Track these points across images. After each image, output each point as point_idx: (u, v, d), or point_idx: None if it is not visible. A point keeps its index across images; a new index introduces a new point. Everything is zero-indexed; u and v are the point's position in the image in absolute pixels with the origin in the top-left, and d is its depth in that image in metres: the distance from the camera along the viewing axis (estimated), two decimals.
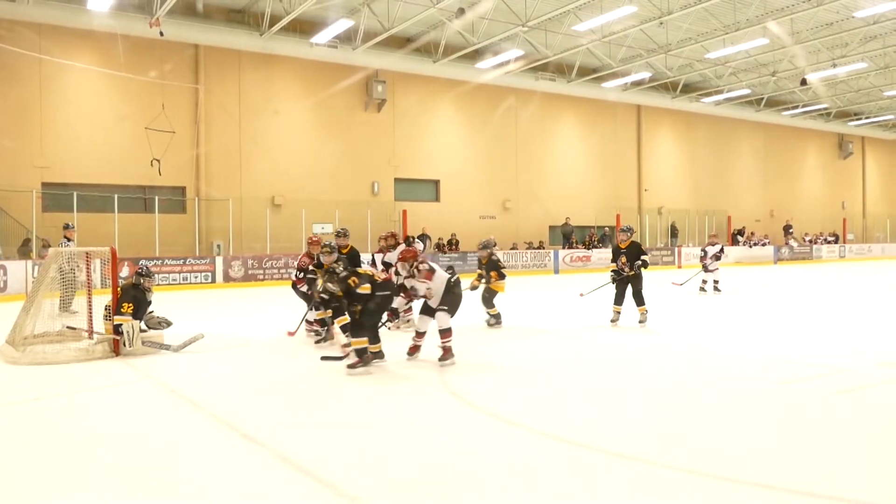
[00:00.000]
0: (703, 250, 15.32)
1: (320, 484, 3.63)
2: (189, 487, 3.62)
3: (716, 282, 15.03)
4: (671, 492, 3.50)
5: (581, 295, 11.55)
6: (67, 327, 7.96)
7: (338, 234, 8.93)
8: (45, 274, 7.93)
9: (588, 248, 24.96)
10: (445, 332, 6.66)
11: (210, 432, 4.62)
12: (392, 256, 8.88)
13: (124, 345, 7.21)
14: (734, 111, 30.79)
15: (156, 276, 9.25)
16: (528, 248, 24.10)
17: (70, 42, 17.43)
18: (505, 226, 24.81)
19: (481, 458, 4.02)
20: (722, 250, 15.34)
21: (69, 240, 11.89)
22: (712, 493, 3.49)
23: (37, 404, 5.47)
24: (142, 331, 7.74)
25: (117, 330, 7.27)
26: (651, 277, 9.80)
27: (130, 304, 7.36)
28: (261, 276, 18.17)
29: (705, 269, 15.10)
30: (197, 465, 3.98)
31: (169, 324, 8.08)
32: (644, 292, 9.60)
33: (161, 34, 17.00)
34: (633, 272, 9.50)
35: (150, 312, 8.00)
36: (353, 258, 8.41)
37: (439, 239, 22.36)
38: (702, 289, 14.97)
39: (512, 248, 23.71)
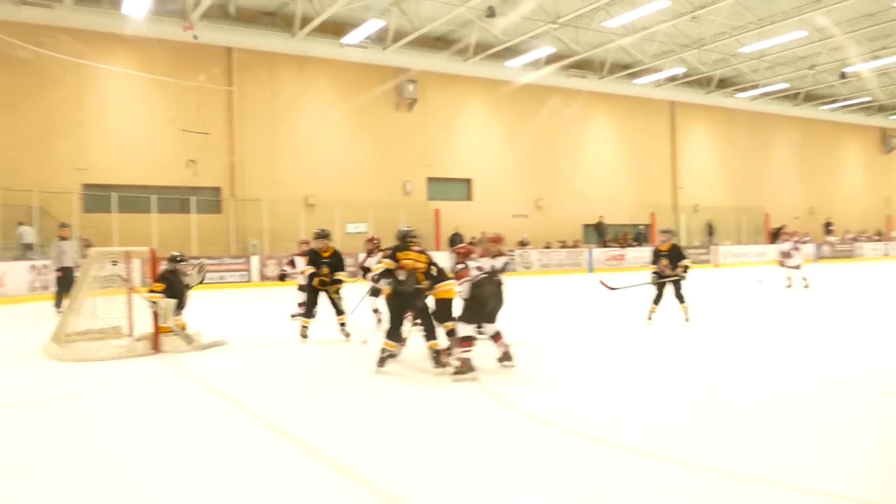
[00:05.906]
0: (780, 251, 15.62)
1: (356, 482, 3.64)
2: (225, 483, 3.66)
3: (803, 278, 14.95)
4: (705, 494, 3.43)
5: (607, 286, 10.37)
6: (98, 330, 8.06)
7: (320, 236, 8.38)
8: (86, 273, 8.10)
9: (623, 247, 24.66)
10: (463, 341, 6.16)
11: (246, 429, 4.66)
12: (372, 262, 8.59)
13: (160, 321, 7.47)
14: (771, 106, 30.18)
15: (193, 261, 9.41)
16: (561, 247, 23.92)
17: (107, 46, 17.79)
18: (538, 224, 24.63)
19: (518, 458, 3.99)
20: (795, 246, 15.27)
21: (63, 238, 11.55)
22: (742, 496, 3.41)
23: (78, 400, 5.59)
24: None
25: (153, 309, 7.49)
26: (689, 277, 9.62)
27: (161, 284, 7.63)
28: (295, 276, 18.28)
29: (783, 265, 15.25)
30: (233, 461, 4.02)
31: (192, 340, 7.68)
32: (684, 292, 9.46)
33: (195, 37, 17.30)
34: (676, 276, 9.36)
35: (179, 317, 7.93)
36: (338, 261, 8.30)
37: (472, 238, 22.27)
38: (805, 286, 14.82)
39: (546, 247, 23.57)
